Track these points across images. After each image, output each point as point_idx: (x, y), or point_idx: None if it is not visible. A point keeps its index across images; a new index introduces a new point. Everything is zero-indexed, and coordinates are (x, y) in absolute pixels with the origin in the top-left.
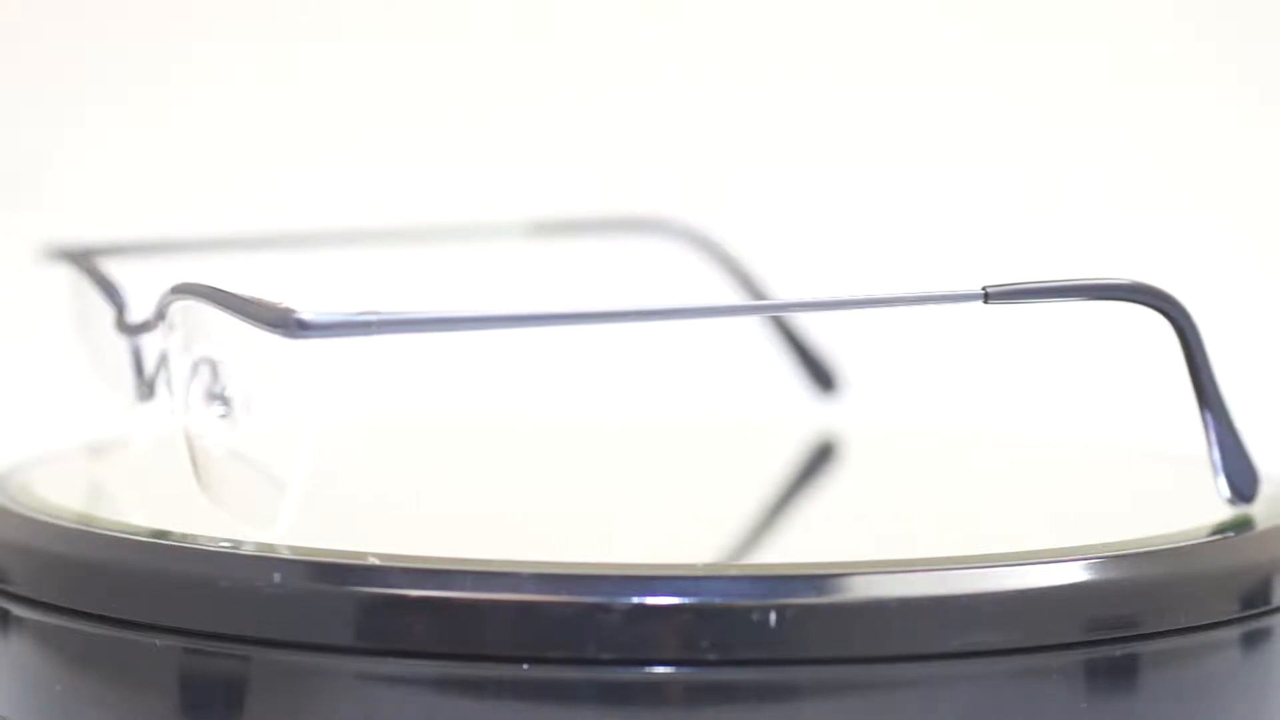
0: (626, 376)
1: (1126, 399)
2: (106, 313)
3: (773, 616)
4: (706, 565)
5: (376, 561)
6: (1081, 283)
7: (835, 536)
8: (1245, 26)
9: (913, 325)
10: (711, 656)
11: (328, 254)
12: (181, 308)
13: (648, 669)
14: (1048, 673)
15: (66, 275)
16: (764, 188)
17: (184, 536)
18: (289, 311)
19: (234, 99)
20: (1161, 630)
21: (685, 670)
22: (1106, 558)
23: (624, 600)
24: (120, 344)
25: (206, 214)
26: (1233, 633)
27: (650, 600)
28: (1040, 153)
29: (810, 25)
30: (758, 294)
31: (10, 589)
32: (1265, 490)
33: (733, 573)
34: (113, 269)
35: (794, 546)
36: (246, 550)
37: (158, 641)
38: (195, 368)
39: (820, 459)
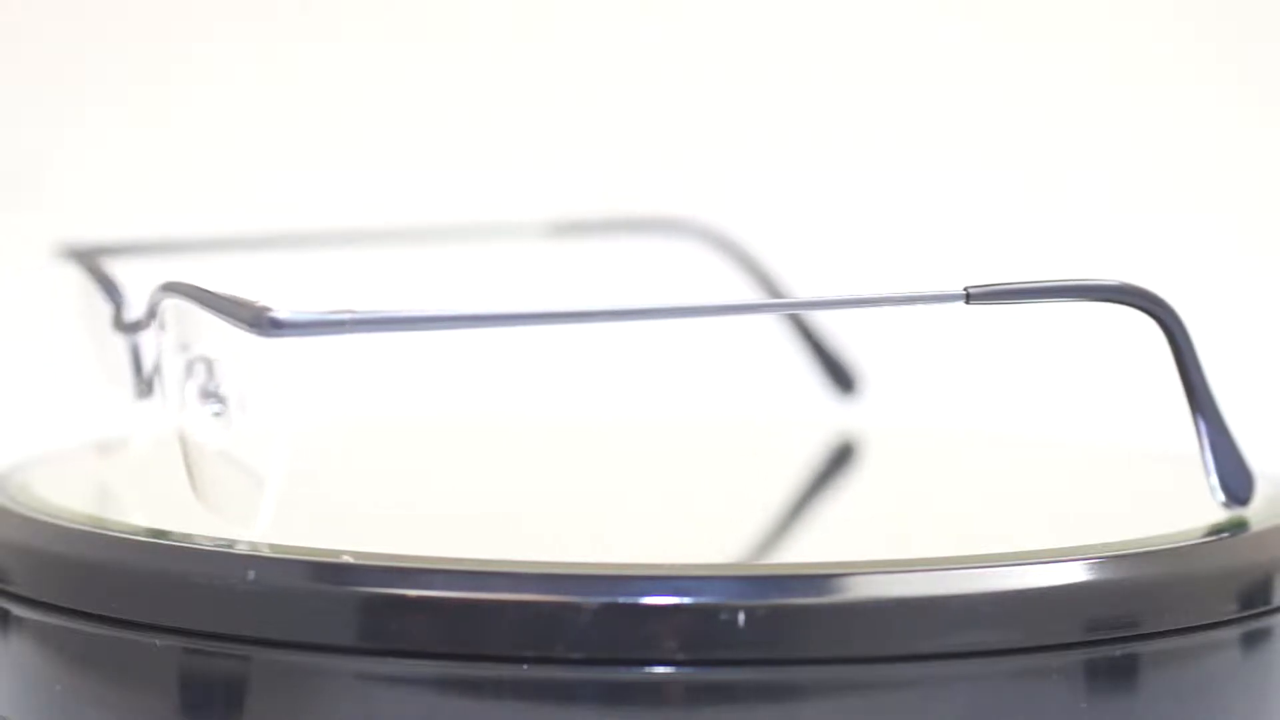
0: (636, 376)
1: (1126, 399)
2: (109, 312)
3: (773, 616)
4: (706, 565)
5: (351, 560)
6: (1065, 284)
7: (835, 536)
8: (1245, 26)
9: (913, 325)
10: (711, 656)
11: (344, 254)
12: (172, 306)
13: (648, 669)
14: (1048, 673)
15: (74, 275)
16: (764, 188)
17: (184, 536)
18: (264, 310)
19: (234, 99)
20: (1161, 630)
21: (685, 670)
22: (1106, 558)
23: (623, 600)
24: (119, 342)
25: (206, 214)
26: (1233, 633)
27: (650, 600)
28: (1040, 153)
29: (811, 25)
30: (776, 294)
31: (10, 589)
32: (1264, 490)
33: (733, 573)
34: (122, 268)
35: (794, 546)
36: (246, 550)
37: (158, 641)
38: (189, 366)
39: (820, 459)
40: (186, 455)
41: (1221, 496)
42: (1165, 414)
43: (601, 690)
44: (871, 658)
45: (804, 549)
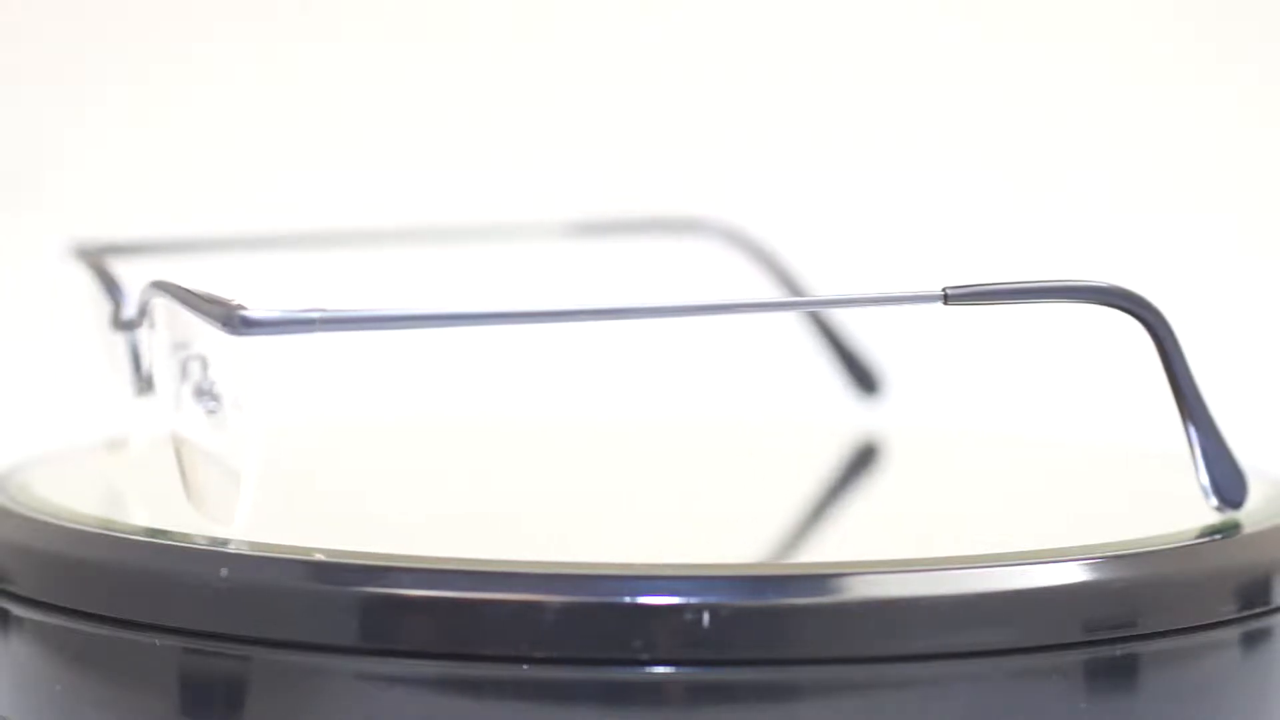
0: (640, 376)
1: (1126, 398)
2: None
3: (772, 616)
4: (706, 565)
5: (323, 558)
6: (1045, 285)
7: (834, 536)
8: (1245, 26)
9: (912, 325)
10: (711, 656)
11: (361, 254)
12: (160, 305)
13: (648, 669)
14: (1048, 673)
15: (82, 274)
16: (765, 188)
17: (184, 536)
18: (235, 309)
19: (234, 99)
20: (1161, 630)
21: (685, 670)
22: (1106, 558)
23: (624, 600)
24: (118, 341)
25: (207, 214)
26: (1233, 633)
27: (650, 600)
28: (1040, 153)
29: (811, 26)
30: (797, 293)
31: (10, 589)
32: (1264, 490)
33: (733, 573)
34: (132, 268)
35: (794, 546)
36: (246, 550)
37: (158, 641)
38: (184, 364)
39: (819, 460)
40: (178, 453)
41: (1214, 501)
42: (1165, 414)
43: (601, 690)
44: (871, 658)
45: (804, 549)
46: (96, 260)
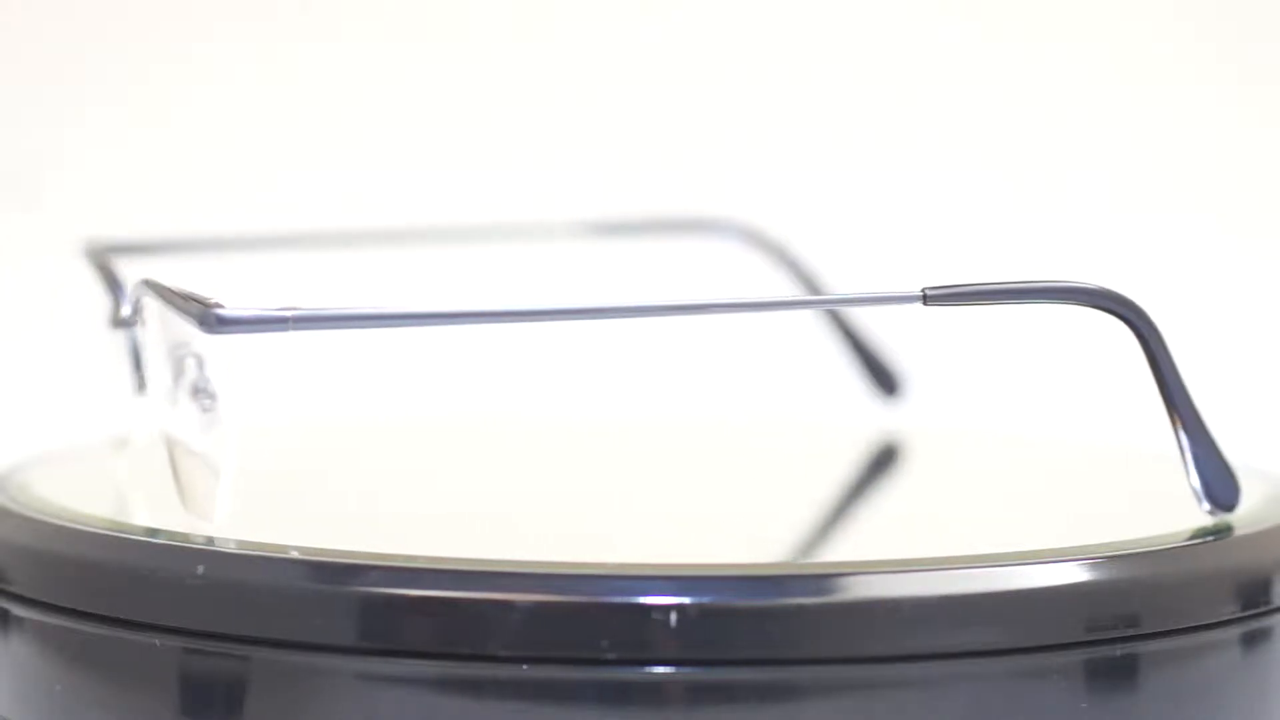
0: (643, 376)
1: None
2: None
3: (772, 616)
4: (706, 565)
5: (298, 555)
6: (1026, 286)
7: (835, 536)
8: (1245, 26)
9: (910, 325)
10: (711, 656)
11: (374, 254)
12: (150, 303)
13: (648, 669)
14: (1048, 673)
15: (94, 273)
16: (765, 188)
17: (184, 536)
18: (210, 307)
19: (234, 99)
20: (1161, 630)
21: (685, 670)
22: (1106, 558)
23: (624, 600)
24: (119, 339)
25: (207, 214)
26: (1233, 633)
27: (650, 600)
28: (1040, 153)
29: (811, 27)
30: (816, 294)
31: (10, 589)
32: (1264, 490)
33: (733, 573)
34: (141, 267)
35: (794, 546)
36: (246, 550)
37: (158, 641)
38: (171, 362)
39: (820, 459)
40: (169, 451)
41: (1206, 505)
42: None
43: (601, 690)
44: (871, 658)
45: (804, 549)
46: (101, 259)
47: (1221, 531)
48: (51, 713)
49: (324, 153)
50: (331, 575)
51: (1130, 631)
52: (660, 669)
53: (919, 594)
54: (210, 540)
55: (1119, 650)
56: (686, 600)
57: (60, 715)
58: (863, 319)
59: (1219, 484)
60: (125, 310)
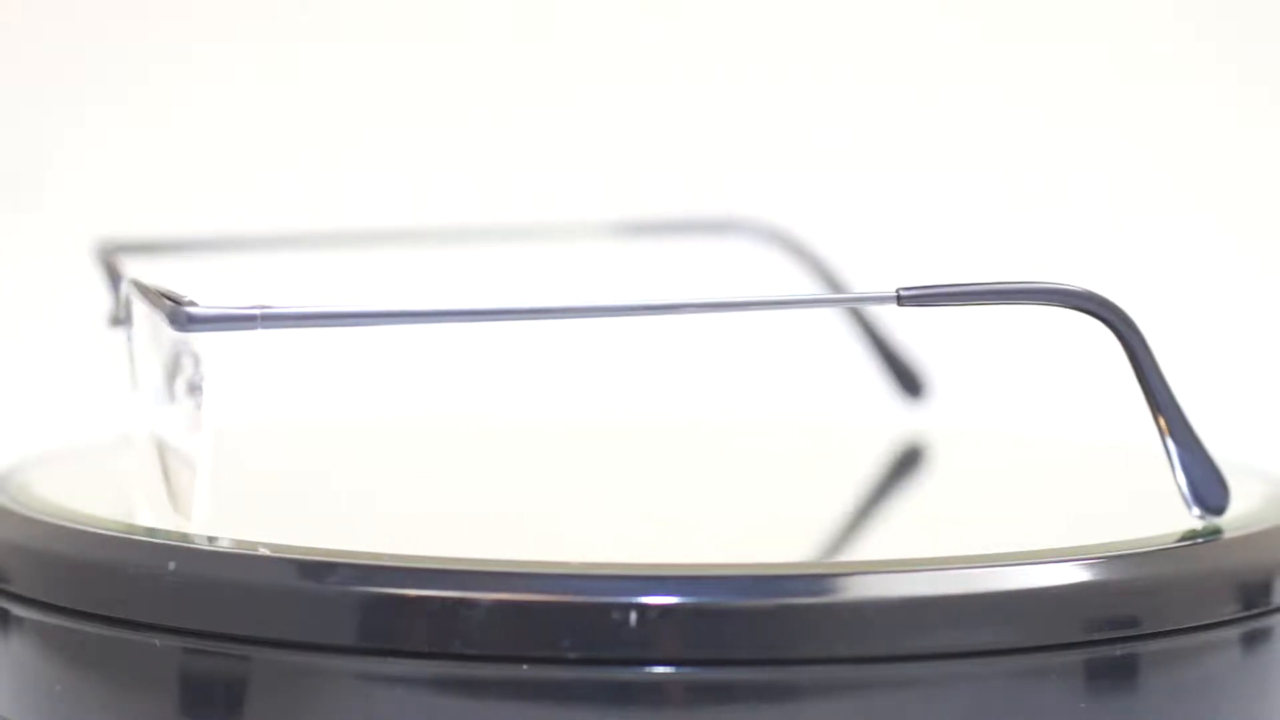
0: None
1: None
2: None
3: (772, 616)
4: (706, 565)
5: (268, 552)
6: (1004, 287)
7: (835, 536)
8: (1245, 26)
9: (912, 325)
10: (711, 656)
11: (398, 254)
12: (137, 302)
13: (648, 669)
14: (1048, 673)
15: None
16: (765, 188)
17: (183, 536)
18: (180, 306)
19: (234, 99)
20: (1161, 630)
21: (685, 670)
22: (1106, 558)
23: (624, 600)
24: (117, 339)
25: (206, 214)
26: (1233, 633)
27: (650, 600)
28: (1040, 153)
29: (811, 27)
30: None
31: (10, 589)
32: (1263, 490)
33: (733, 573)
34: (148, 267)
35: (794, 546)
36: (247, 550)
37: (158, 641)
38: (158, 360)
39: (820, 459)
40: (158, 449)
41: (1196, 510)
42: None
43: (601, 690)
44: (871, 658)
45: (804, 548)
46: (109, 258)
47: (1221, 532)
48: (51, 713)
49: (324, 153)
50: (331, 575)
51: (1130, 631)
52: (660, 669)
53: (919, 594)
54: (209, 540)
55: (1119, 650)
56: (687, 600)
57: (60, 715)
58: (886, 321)
59: (1207, 487)
60: (120, 310)
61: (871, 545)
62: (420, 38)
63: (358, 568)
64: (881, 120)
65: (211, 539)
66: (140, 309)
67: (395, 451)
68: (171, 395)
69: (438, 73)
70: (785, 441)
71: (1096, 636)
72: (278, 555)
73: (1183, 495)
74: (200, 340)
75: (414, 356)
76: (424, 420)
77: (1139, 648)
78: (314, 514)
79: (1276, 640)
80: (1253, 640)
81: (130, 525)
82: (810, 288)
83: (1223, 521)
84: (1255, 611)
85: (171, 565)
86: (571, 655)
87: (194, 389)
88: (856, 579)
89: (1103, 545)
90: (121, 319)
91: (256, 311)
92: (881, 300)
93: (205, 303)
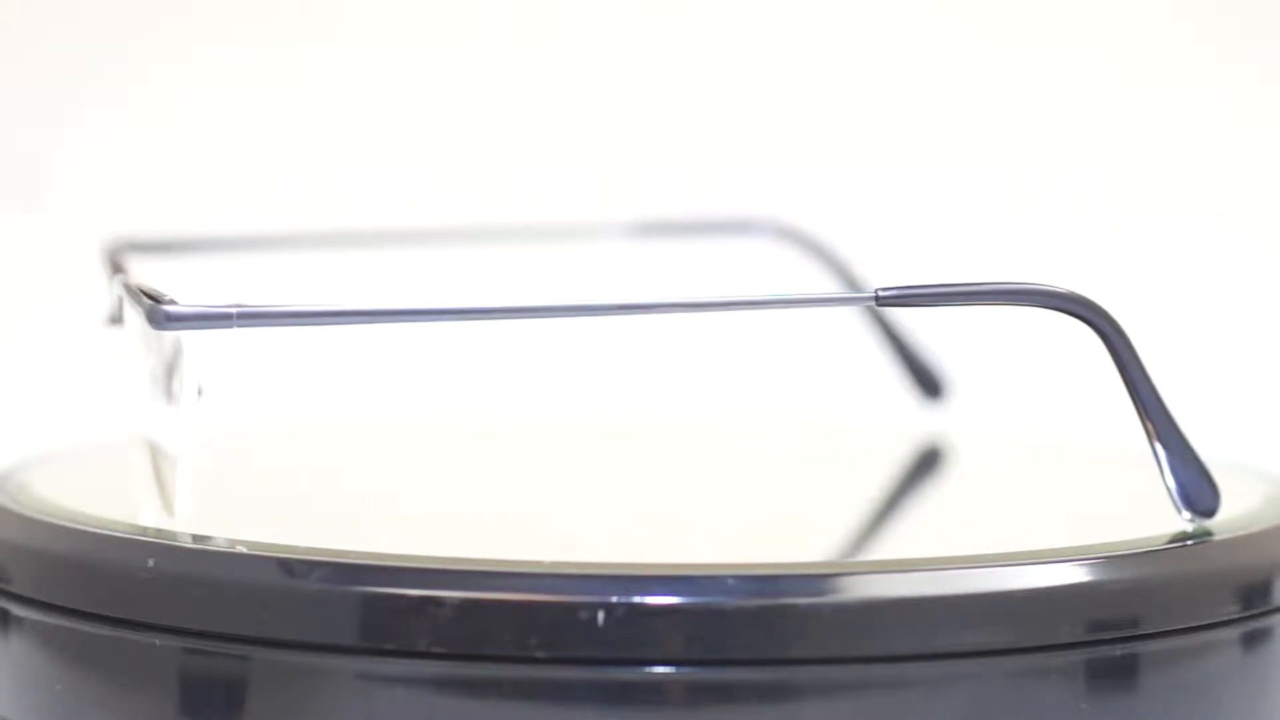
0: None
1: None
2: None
3: (772, 616)
4: (706, 565)
5: (244, 550)
6: (985, 287)
7: (835, 535)
8: (1245, 26)
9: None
10: (711, 656)
11: (402, 254)
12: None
13: (648, 669)
14: (1048, 673)
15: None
16: (765, 188)
17: (183, 536)
18: (159, 304)
19: (234, 99)
20: (1161, 630)
21: (685, 670)
22: (1106, 558)
23: (624, 600)
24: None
25: (206, 214)
26: (1233, 633)
27: (650, 600)
28: (1040, 153)
29: (811, 28)
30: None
31: (10, 589)
32: (1264, 490)
33: (733, 572)
34: (154, 267)
35: (793, 546)
36: (247, 550)
37: (158, 641)
38: (160, 361)
39: (821, 459)
40: (149, 449)
41: (1186, 513)
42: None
43: (601, 690)
44: (871, 658)
45: (804, 548)
46: (114, 257)
47: (1220, 532)
48: (51, 713)
49: (324, 153)
50: (331, 575)
51: (1130, 632)
52: (660, 669)
53: (919, 594)
54: (209, 539)
55: (1119, 650)
56: (687, 600)
57: (60, 715)
58: (905, 322)
59: (1196, 490)
60: (115, 309)
61: (871, 545)
62: (422, 37)
63: (358, 568)
64: (881, 120)
65: (209, 538)
66: (129, 307)
67: (396, 451)
68: (165, 394)
69: (442, 73)
70: (786, 442)
71: (1096, 636)
72: (276, 555)
73: (1172, 498)
74: (190, 339)
75: (414, 357)
76: (425, 420)
77: (1139, 648)
78: (314, 514)
79: (1277, 640)
80: (1253, 640)
81: (130, 525)
82: (826, 287)
83: (1223, 522)
84: (1255, 611)
85: (150, 562)
86: (572, 655)
87: (185, 388)
88: (856, 579)
89: (1103, 545)
90: (117, 318)
91: (233, 310)
92: (861, 300)
93: (185, 301)
